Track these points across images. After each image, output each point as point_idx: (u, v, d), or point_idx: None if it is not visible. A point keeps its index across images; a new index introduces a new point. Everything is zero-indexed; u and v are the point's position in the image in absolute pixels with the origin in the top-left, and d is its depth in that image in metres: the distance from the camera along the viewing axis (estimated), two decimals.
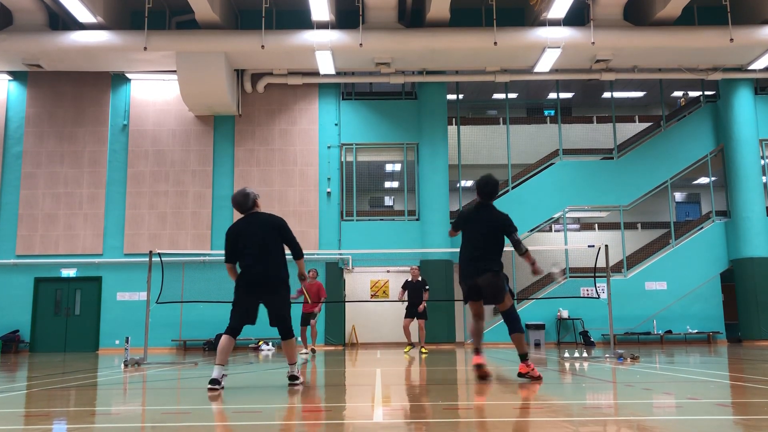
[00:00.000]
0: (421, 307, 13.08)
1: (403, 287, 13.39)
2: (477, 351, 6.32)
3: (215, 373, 5.54)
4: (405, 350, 13.50)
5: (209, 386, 5.46)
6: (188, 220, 17.94)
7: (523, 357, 6.08)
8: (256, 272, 5.80)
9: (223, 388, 5.57)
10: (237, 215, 17.77)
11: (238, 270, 5.97)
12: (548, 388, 5.77)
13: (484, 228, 6.30)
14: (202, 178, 18.16)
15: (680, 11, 16.00)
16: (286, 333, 5.97)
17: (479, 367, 6.18)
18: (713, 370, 7.35)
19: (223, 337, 5.79)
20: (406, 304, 13.32)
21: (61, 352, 16.83)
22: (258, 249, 5.82)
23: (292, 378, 5.94)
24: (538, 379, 5.99)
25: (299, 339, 13.01)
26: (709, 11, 17.36)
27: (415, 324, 13.37)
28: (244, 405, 4.50)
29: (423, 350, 13.11)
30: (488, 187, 6.36)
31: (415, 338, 13.86)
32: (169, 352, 16.54)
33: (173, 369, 8.85)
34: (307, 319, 13.15)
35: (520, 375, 6.06)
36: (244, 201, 6.00)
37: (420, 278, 13.30)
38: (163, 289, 10.79)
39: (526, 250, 6.35)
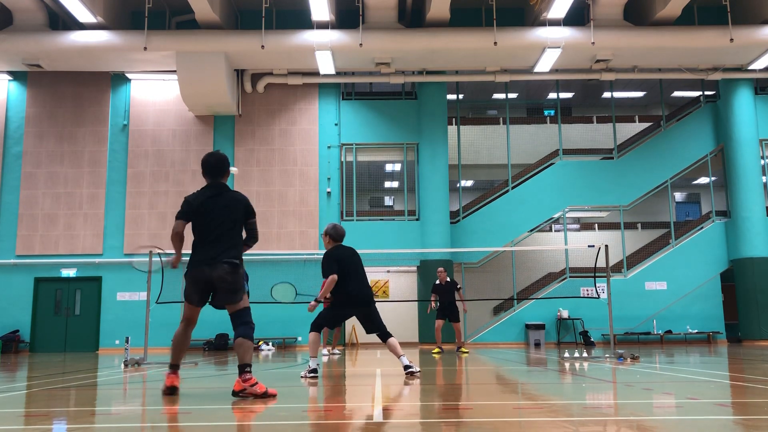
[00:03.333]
0: (464, 307, 13.33)
1: (433, 291, 13.14)
2: (175, 367, 5.22)
3: (314, 363, 6.85)
4: (434, 351, 13.00)
5: (310, 375, 6.68)
6: None
7: (243, 368, 4.88)
8: (359, 293, 7.12)
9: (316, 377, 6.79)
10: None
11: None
12: (548, 388, 5.77)
13: (223, 212, 5.24)
14: (202, 177, 18.10)
15: (680, 11, 16.00)
16: (384, 335, 7.22)
17: (172, 391, 5.03)
18: (713, 370, 7.35)
19: (312, 334, 7.14)
20: (437, 306, 13.08)
21: (61, 352, 16.83)
22: (358, 273, 7.19)
23: (407, 368, 6.90)
24: (264, 395, 4.78)
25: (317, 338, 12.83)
26: (709, 11, 17.37)
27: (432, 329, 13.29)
28: (245, 404, 4.50)
29: (464, 350, 12.93)
30: (217, 163, 5.45)
31: (433, 342, 13.74)
32: (169, 352, 16.52)
33: None
34: None
35: (234, 394, 4.86)
36: (342, 230, 7.42)
37: (448, 279, 13.19)
38: (163, 289, 10.78)
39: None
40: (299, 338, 17.43)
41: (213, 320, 17.22)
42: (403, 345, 16.03)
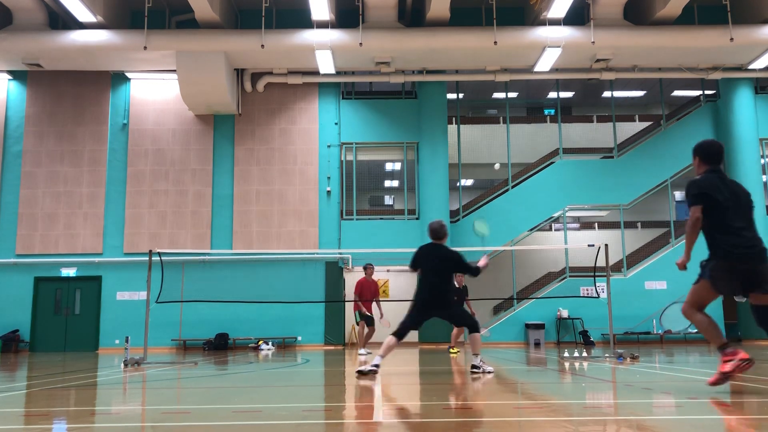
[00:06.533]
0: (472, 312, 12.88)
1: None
2: (725, 347, 4.85)
3: (377, 360, 6.82)
4: (452, 351, 12.96)
5: (372, 369, 6.71)
6: (188, 220, 17.94)
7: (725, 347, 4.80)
8: (432, 295, 7.04)
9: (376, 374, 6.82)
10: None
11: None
12: (548, 387, 5.77)
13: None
14: (202, 177, 18.16)
15: (680, 11, 16.00)
16: (472, 328, 7.17)
17: (746, 360, 4.63)
18: (713, 370, 7.34)
19: (390, 337, 6.97)
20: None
21: (61, 352, 16.83)
22: (434, 274, 7.07)
23: (474, 367, 7.03)
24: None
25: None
26: (709, 11, 17.36)
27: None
28: (244, 405, 4.50)
29: (454, 350, 12.84)
30: (714, 149, 4.93)
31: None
32: (169, 351, 16.53)
33: (173, 369, 8.85)
34: (370, 320, 12.51)
35: (723, 375, 4.70)
36: (439, 229, 7.27)
37: (464, 284, 13.12)
38: (163, 288, 10.78)
39: None
40: (299, 338, 17.43)
41: (212, 320, 17.26)
42: (403, 345, 16.02)
